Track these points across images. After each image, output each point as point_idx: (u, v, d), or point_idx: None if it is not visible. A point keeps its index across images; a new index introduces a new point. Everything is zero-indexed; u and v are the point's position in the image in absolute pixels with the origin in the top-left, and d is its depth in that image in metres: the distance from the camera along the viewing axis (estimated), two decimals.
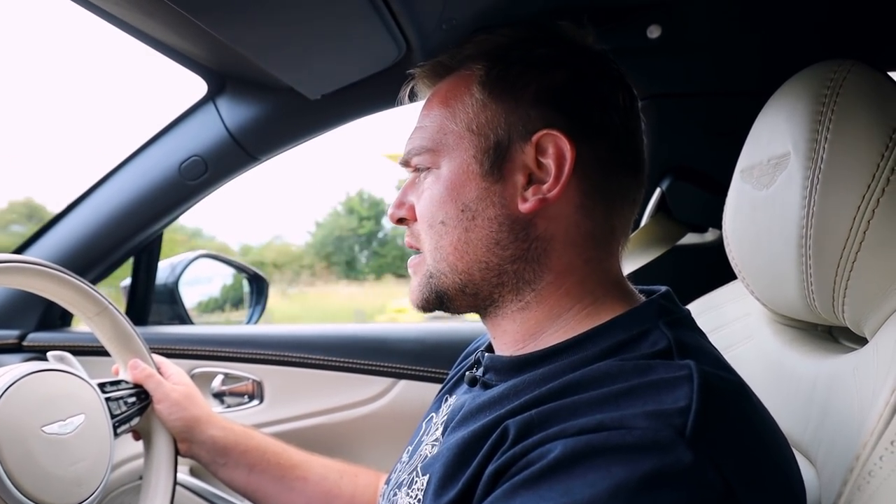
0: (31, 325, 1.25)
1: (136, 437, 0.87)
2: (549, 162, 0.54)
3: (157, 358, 0.89)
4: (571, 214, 0.55)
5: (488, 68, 0.57)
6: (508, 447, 0.46)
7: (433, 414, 0.66)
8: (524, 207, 0.55)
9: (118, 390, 0.81)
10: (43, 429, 0.67)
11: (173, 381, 0.87)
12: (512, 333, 0.58)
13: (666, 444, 0.40)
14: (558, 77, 0.56)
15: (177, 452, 0.86)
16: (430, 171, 0.59)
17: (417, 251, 0.62)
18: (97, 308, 0.81)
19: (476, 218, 0.56)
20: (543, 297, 0.56)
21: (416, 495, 0.53)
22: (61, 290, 0.78)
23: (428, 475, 0.53)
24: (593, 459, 0.41)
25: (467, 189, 0.56)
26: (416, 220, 0.61)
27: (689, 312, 0.57)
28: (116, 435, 0.77)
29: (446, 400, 0.66)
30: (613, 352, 0.50)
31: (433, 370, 1.22)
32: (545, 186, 0.55)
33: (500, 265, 0.56)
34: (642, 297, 0.58)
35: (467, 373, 0.63)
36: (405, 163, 0.62)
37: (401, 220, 0.63)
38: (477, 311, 0.61)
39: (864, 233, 0.50)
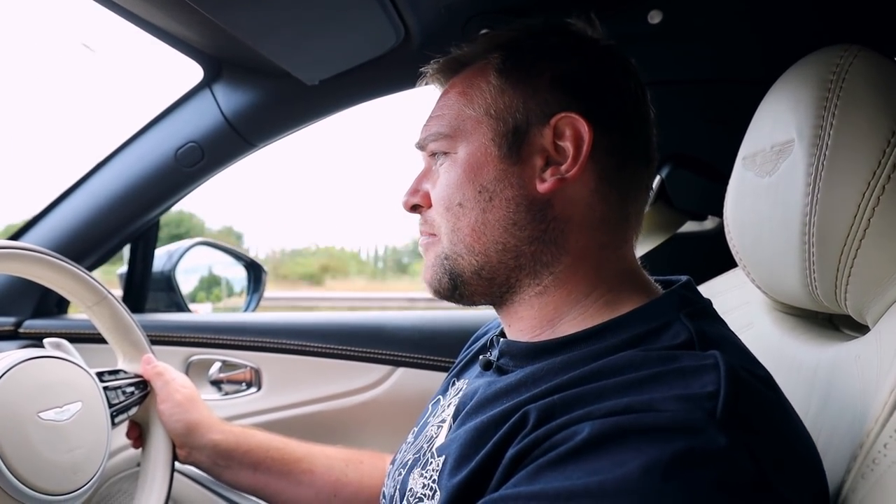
0: (28, 312, 1.25)
1: (133, 433, 0.87)
2: (567, 144, 0.55)
3: (162, 364, 0.88)
4: (587, 197, 0.56)
5: (504, 56, 0.58)
6: (530, 431, 0.46)
7: (440, 397, 0.66)
8: (542, 188, 0.55)
9: (116, 380, 0.80)
10: (39, 415, 0.66)
11: (178, 384, 0.87)
12: (528, 319, 0.58)
13: (698, 426, 0.40)
14: (573, 64, 0.57)
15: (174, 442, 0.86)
16: (446, 157, 0.59)
17: (430, 236, 0.62)
18: (96, 297, 0.81)
19: (493, 199, 0.56)
20: (561, 281, 0.56)
21: (432, 476, 0.53)
22: (60, 278, 0.77)
23: (444, 456, 0.53)
24: (622, 440, 0.40)
25: (485, 171, 0.57)
26: (430, 206, 0.61)
27: (709, 302, 0.57)
28: (114, 424, 0.77)
29: (454, 384, 0.66)
30: (634, 343, 0.50)
31: (431, 358, 1.22)
32: (563, 167, 0.55)
33: (517, 246, 0.56)
34: (659, 288, 0.58)
35: (481, 356, 0.63)
36: (421, 147, 0.62)
37: (414, 208, 0.63)
38: (492, 300, 0.60)
39: (869, 220, 0.50)
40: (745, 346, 0.53)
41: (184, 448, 0.85)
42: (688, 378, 0.43)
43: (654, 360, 0.46)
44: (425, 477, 0.54)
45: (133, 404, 0.82)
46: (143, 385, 0.84)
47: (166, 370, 0.86)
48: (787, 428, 0.46)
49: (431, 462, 0.55)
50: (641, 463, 0.38)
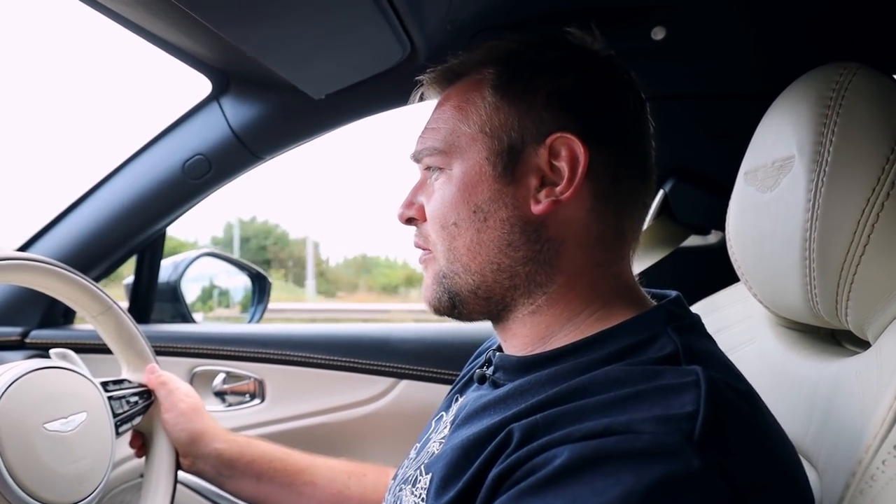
0: (34, 322, 1.25)
1: (137, 442, 0.87)
2: (563, 165, 0.55)
3: (166, 374, 0.89)
4: (582, 217, 0.56)
5: (500, 72, 0.57)
6: (513, 450, 0.46)
7: (443, 413, 0.66)
8: (537, 209, 0.55)
9: (121, 389, 0.81)
10: (45, 426, 0.67)
11: (182, 393, 0.87)
12: (521, 337, 0.58)
13: (674, 449, 0.40)
14: (570, 80, 0.56)
15: (178, 452, 0.86)
16: (441, 172, 0.59)
17: (425, 251, 0.62)
18: (101, 307, 0.82)
19: (488, 219, 0.56)
20: (554, 301, 0.56)
21: (420, 494, 0.54)
22: (66, 288, 0.78)
23: (430, 474, 0.53)
24: (601, 466, 0.41)
25: (480, 190, 0.56)
26: (425, 220, 0.61)
27: (698, 318, 0.56)
28: (118, 434, 0.77)
29: (456, 399, 0.66)
30: (621, 356, 0.50)
31: (435, 370, 1.22)
32: (558, 188, 0.55)
33: (512, 266, 0.56)
34: (653, 302, 0.58)
35: (477, 370, 0.63)
36: (416, 160, 0.62)
37: (409, 221, 0.63)
38: (489, 317, 0.60)
39: (869, 236, 0.50)
40: (730, 361, 0.53)
41: (188, 457, 0.84)
42: (669, 396, 0.43)
43: (637, 376, 0.46)
44: (415, 495, 0.54)
45: (137, 414, 0.82)
46: (147, 394, 0.84)
47: (170, 380, 0.87)
48: (766, 446, 0.46)
49: (420, 480, 0.55)
50: (620, 492, 0.39)
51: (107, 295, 0.82)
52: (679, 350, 0.49)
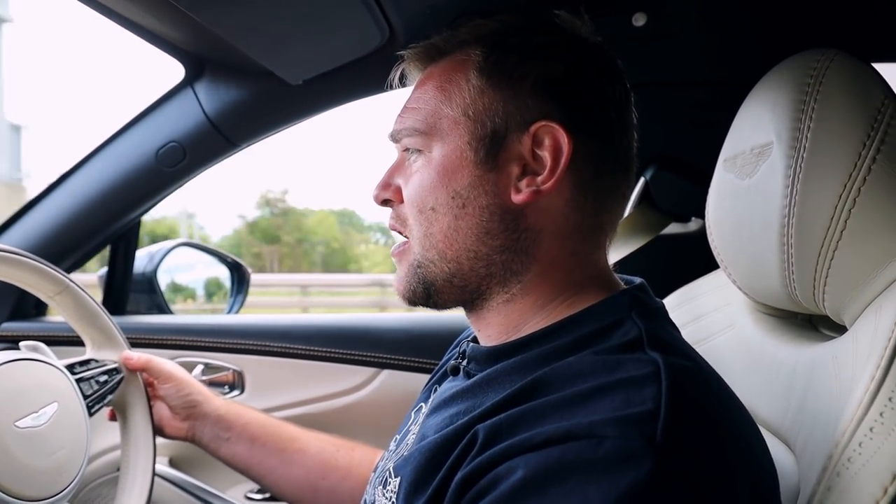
0: (4, 314, 1.22)
1: (112, 415, 0.86)
2: (545, 154, 0.54)
3: (141, 353, 0.87)
4: (562, 207, 0.55)
5: (486, 54, 0.56)
6: (477, 453, 0.46)
7: (422, 404, 0.66)
8: (517, 198, 0.54)
9: (88, 370, 0.79)
10: (16, 424, 0.65)
11: (171, 364, 0.87)
12: (496, 326, 0.58)
13: (637, 455, 0.40)
14: (557, 68, 0.55)
15: (154, 426, 0.85)
16: (420, 155, 0.58)
17: (400, 234, 0.61)
18: (57, 287, 0.79)
19: (467, 206, 0.55)
20: (529, 290, 0.56)
21: (391, 497, 0.53)
22: (16, 272, 0.75)
23: (399, 478, 0.53)
24: (565, 479, 0.40)
25: (459, 175, 0.55)
26: (401, 202, 0.60)
27: (662, 304, 0.57)
28: (91, 414, 0.76)
29: (435, 390, 0.65)
30: (586, 342, 0.50)
31: (417, 359, 1.22)
32: (539, 178, 0.54)
33: (488, 255, 0.56)
34: (624, 287, 0.58)
35: (452, 362, 0.63)
36: (394, 139, 0.61)
37: (385, 202, 0.61)
38: (463, 306, 0.60)
39: (846, 222, 0.50)
40: (692, 348, 0.53)
41: (187, 421, 0.85)
42: (630, 391, 0.43)
43: (599, 368, 0.46)
44: (386, 497, 0.54)
45: (107, 392, 0.81)
46: (116, 371, 0.83)
47: (150, 356, 0.87)
48: (729, 432, 0.46)
49: (390, 482, 0.54)
50: None
51: (63, 274, 0.79)
52: (643, 335, 0.49)
